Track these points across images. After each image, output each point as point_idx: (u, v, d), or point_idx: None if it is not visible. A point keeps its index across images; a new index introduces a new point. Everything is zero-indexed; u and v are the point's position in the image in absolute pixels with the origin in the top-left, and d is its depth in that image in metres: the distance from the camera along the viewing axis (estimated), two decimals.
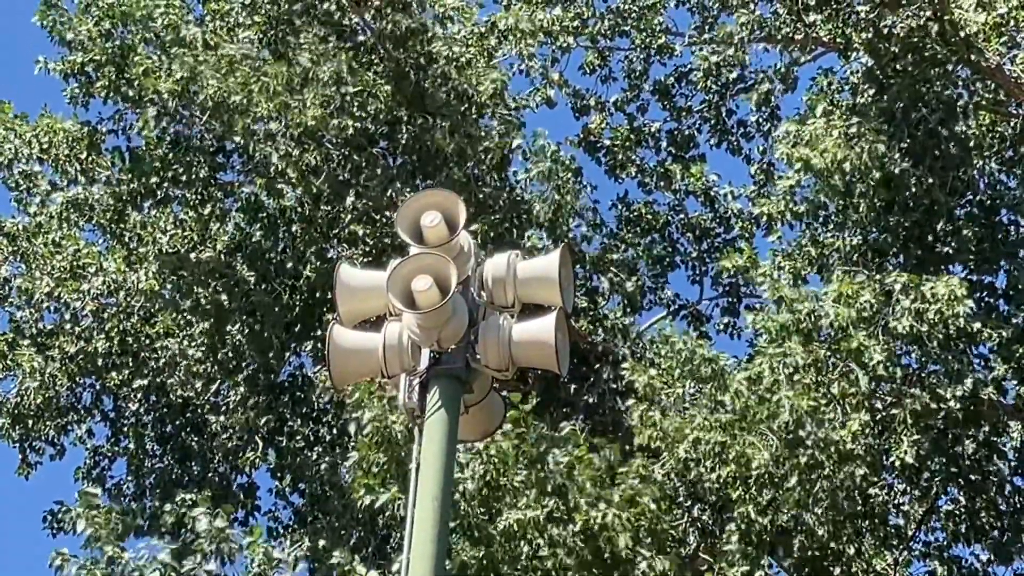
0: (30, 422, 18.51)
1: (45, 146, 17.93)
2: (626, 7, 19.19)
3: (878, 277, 15.42)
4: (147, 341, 18.74)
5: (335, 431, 18.21)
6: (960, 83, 17.80)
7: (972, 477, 16.31)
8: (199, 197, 17.98)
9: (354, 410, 14.59)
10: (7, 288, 18.71)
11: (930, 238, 17.50)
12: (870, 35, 17.23)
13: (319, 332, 16.90)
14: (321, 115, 16.44)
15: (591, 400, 17.96)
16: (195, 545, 14.03)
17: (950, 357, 15.27)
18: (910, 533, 16.96)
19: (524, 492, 13.95)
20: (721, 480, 14.38)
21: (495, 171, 18.35)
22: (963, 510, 16.43)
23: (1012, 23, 17.05)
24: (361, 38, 17.99)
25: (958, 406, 15.03)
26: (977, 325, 15.51)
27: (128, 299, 18.53)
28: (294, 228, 18.17)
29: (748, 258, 16.68)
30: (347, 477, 15.78)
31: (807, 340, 14.70)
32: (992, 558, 16.37)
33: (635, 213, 20.17)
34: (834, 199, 17.07)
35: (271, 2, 17.72)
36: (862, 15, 17.50)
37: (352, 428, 14.97)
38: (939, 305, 14.42)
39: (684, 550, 16.00)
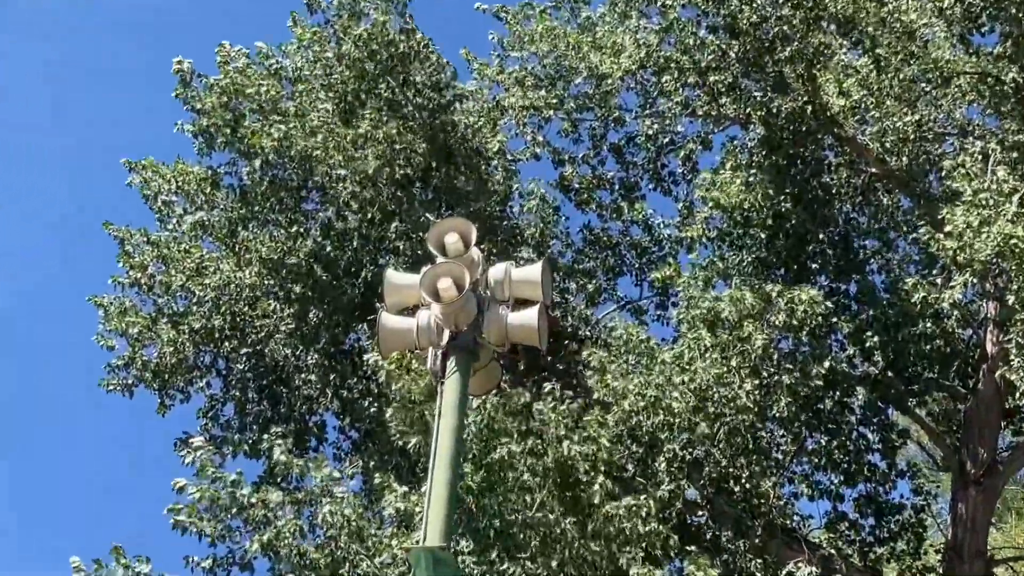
0: (166, 376, 19.37)
1: (179, 184, 19.29)
2: (591, 91, 20.12)
3: (758, 284, 16.88)
4: (251, 320, 19.48)
5: (380, 386, 17.01)
6: (826, 148, 19.42)
7: (830, 425, 17.78)
8: (289, 220, 18.88)
9: (388, 384, 15.43)
10: (153, 281, 19.53)
11: (802, 257, 18.98)
12: (763, 113, 18.35)
13: (373, 316, 15.53)
14: (376, 165, 17.74)
15: (561, 367, 18.85)
16: (276, 469, 15.27)
17: (815, 341, 16.82)
18: (785, 464, 18.05)
19: (511, 432, 14.63)
20: (653, 425, 15.64)
21: (498, 205, 19.86)
22: (823, 449, 17.84)
23: (863, 106, 18.21)
24: (406, 110, 18.74)
25: (820, 377, 16.21)
26: (834, 320, 17.39)
27: (238, 291, 19.27)
28: (355, 243, 18.73)
29: (673, 269, 18.30)
30: (391, 420, 15.55)
31: (712, 328, 16.01)
32: (843, 481, 17.82)
33: (595, 236, 21.34)
34: (735, 228, 18.65)
35: (343, 83, 18.63)
36: (758, 98, 18.59)
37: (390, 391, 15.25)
38: (803, 306, 15.72)
39: (624, 475, 15.93)
